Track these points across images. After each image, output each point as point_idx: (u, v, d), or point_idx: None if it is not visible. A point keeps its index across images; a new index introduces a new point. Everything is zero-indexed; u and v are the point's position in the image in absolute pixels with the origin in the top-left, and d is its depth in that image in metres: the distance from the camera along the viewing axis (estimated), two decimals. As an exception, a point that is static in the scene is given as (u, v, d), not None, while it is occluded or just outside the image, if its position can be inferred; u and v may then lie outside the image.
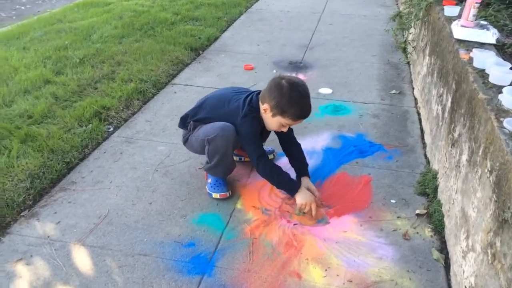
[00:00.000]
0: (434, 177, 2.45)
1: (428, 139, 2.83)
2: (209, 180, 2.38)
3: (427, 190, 2.41)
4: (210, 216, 2.22)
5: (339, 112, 3.31)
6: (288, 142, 2.43)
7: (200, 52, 4.54)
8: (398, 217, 2.24)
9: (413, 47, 4.08)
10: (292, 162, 2.46)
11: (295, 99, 2.12)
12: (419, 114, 3.29)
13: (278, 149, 2.58)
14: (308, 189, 2.31)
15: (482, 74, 2.01)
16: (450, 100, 2.36)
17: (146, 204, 2.29)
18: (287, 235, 2.10)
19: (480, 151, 1.72)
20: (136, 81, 3.61)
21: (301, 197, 2.23)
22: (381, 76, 3.97)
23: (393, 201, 2.35)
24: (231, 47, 4.68)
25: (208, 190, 2.36)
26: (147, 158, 2.69)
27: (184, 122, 2.39)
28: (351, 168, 2.63)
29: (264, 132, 2.34)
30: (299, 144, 2.47)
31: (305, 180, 2.37)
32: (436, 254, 2.00)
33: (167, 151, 2.76)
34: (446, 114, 2.40)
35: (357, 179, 2.53)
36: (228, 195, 2.34)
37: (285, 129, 2.26)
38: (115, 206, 2.27)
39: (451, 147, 2.19)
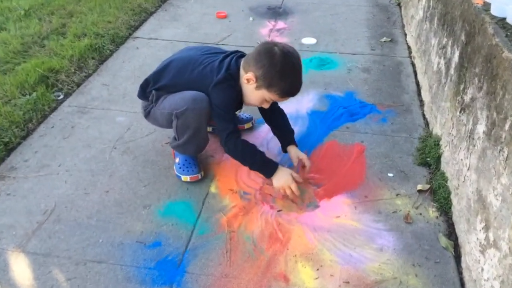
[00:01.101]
0: (436, 144, 2.12)
1: (426, 96, 2.49)
2: (177, 160, 2.02)
3: (428, 159, 2.10)
4: (179, 204, 1.88)
5: (325, 67, 2.92)
6: (273, 112, 2.06)
7: (166, -3, 4.00)
8: (397, 194, 1.93)
9: (404, -13, 3.64)
10: (275, 131, 2.11)
11: (287, 72, 1.75)
12: (413, 65, 2.92)
13: (257, 115, 2.21)
14: (298, 158, 2.00)
15: (503, 24, 1.64)
16: (457, 54, 1.99)
17: (102, 193, 1.92)
18: (271, 224, 1.78)
19: (507, 126, 1.38)
20: (90, 36, 3.12)
21: (278, 179, 1.90)
22: (370, 21, 3.55)
23: (390, 174, 2.04)
24: (200, -9, 4.15)
25: (176, 172, 2.00)
26: (104, 132, 2.29)
27: (144, 90, 1.98)
28: (341, 135, 2.29)
29: (238, 105, 1.97)
30: (283, 112, 2.11)
31: (292, 150, 2.04)
32: (443, 241, 1.71)
33: (128, 123, 2.36)
34: (452, 71, 2.04)
35: (348, 149, 2.20)
36: (200, 177, 1.99)
37: (266, 106, 1.89)
38: (64, 197, 1.90)
39: (460, 112, 1.85)
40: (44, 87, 2.55)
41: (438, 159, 2.06)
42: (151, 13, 3.69)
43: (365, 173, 2.05)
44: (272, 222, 1.79)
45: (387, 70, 2.88)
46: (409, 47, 3.14)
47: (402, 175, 2.03)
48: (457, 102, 1.90)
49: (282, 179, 1.89)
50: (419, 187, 1.95)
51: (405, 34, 3.33)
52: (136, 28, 3.43)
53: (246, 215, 1.83)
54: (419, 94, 2.63)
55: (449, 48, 2.14)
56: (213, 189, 1.96)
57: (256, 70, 1.75)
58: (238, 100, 1.89)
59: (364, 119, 2.41)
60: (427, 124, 2.36)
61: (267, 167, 1.92)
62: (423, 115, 2.44)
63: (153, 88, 1.93)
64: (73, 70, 2.77)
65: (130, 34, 3.31)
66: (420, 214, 1.83)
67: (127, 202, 1.88)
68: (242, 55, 1.91)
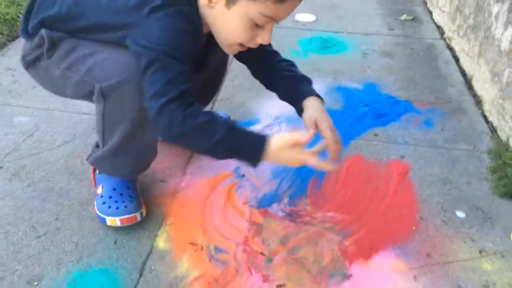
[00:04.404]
0: (525, 162, 1.33)
1: (487, 90, 1.69)
2: (100, 190, 1.16)
3: (515, 188, 1.30)
4: (96, 275, 1.02)
5: (330, 49, 2.11)
6: (263, 57, 1.17)
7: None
8: (481, 251, 1.12)
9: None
10: (281, 86, 1.18)
11: None
12: (451, 49, 2.14)
13: (237, 113, 1.38)
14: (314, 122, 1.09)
15: None
16: None
17: (-44, 253, 1.05)
18: (266, 318, 0.95)
19: None
20: (0, 4, 2.23)
21: (278, 160, 1.00)
22: (381, -4, 2.76)
23: (460, 214, 1.23)
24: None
25: (96, 210, 1.14)
26: (-9, 139, 1.42)
27: (30, 19, 1.06)
28: (369, 146, 1.48)
29: (203, 60, 1.07)
30: (279, 56, 1.21)
31: (310, 105, 1.12)
32: None
33: (32, 126, 1.49)
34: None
35: (383, 169, 1.38)
36: (138, 218, 1.13)
37: (253, 43, 1.00)
38: None
39: None
40: None
41: (534, 188, 1.27)
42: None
43: (417, 211, 1.23)
44: (269, 312, 0.96)
45: (416, 55, 2.09)
46: (438, 27, 2.36)
47: (480, 215, 1.23)
48: None
49: (286, 157, 0.98)
50: (516, 237, 1.15)
51: (430, 12, 2.55)
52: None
53: (219, 296, 0.98)
54: (469, 87, 1.84)
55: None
56: (161, 242, 1.11)
57: None
58: (198, 44, 1.01)
59: (398, 122, 1.61)
60: (493, 129, 1.57)
61: (247, 145, 0.96)
62: (484, 116, 1.65)
63: (45, 19, 1.02)
64: (-34, 47, 1.88)
65: None
66: (532, 290, 1.03)
67: (1, 269, 1.01)
68: None
